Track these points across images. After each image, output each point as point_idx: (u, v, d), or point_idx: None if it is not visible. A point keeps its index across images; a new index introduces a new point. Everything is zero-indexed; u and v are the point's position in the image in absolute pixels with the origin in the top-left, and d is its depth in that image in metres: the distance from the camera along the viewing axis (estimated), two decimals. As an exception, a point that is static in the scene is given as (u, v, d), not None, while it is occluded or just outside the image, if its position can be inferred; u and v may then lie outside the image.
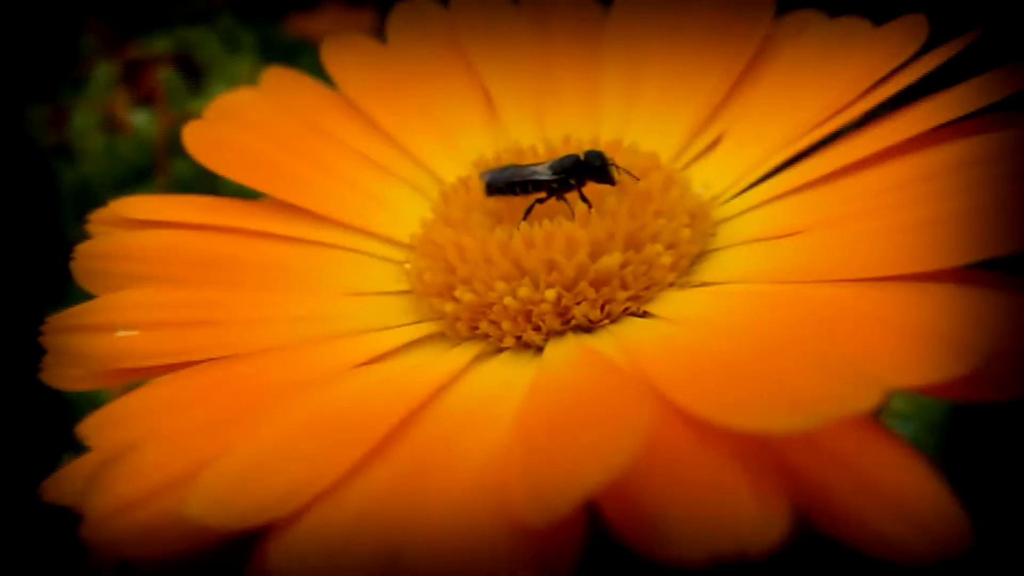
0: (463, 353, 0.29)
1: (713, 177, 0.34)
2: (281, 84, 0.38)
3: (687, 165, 0.35)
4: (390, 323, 0.31)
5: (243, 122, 0.36)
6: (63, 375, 0.28)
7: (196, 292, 0.30)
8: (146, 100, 0.50)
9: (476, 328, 0.30)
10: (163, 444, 0.24)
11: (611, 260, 0.29)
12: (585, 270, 0.29)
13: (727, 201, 0.33)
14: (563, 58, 0.39)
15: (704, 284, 0.30)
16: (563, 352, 0.27)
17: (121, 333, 0.28)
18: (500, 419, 0.24)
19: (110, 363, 0.28)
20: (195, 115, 0.38)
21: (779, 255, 0.29)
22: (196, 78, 0.51)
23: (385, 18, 0.39)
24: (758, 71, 0.35)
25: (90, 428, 0.25)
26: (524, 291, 0.29)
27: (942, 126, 0.27)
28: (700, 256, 0.31)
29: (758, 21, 0.35)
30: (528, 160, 0.34)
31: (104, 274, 0.30)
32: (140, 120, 0.49)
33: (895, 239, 0.25)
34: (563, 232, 0.29)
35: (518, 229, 0.30)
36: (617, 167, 0.31)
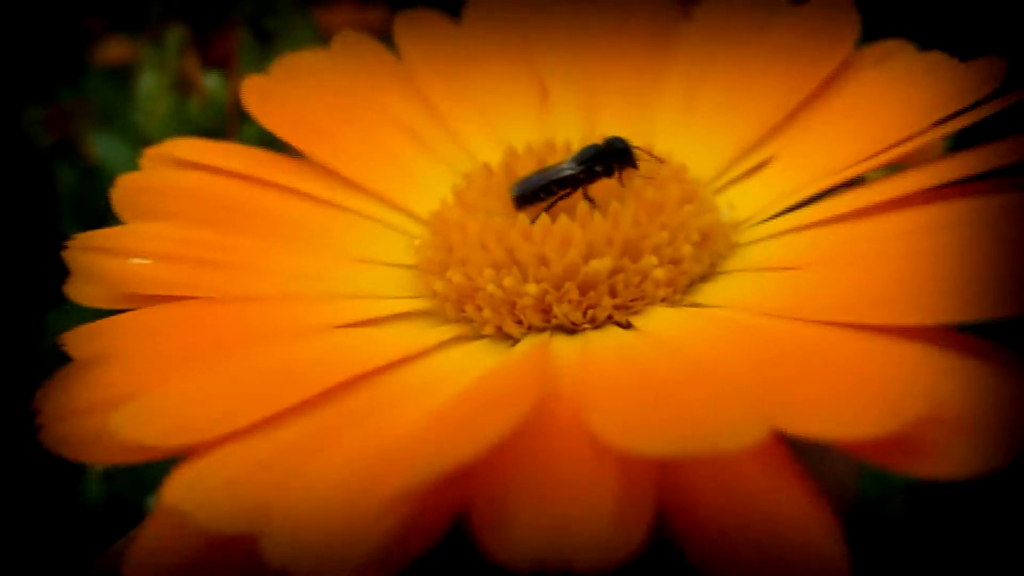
0: (442, 333, 0.29)
1: (748, 199, 0.33)
2: (349, 50, 0.40)
3: (729, 183, 0.34)
4: (387, 293, 0.32)
5: (301, 83, 0.38)
6: (83, 291, 0.31)
7: (211, 234, 0.32)
8: (216, 63, 0.52)
9: (463, 311, 0.30)
10: (125, 363, 0.26)
11: (600, 264, 0.29)
12: (575, 270, 0.29)
13: (755, 225, 0.32)
14: (629, 59, 0.39)
15: (695, 305, 0.29)
16: (523, 349, 0.28)
17: (135, 260, 0.31)
18: (433, 401, 0.24)
19: (122, 286, 0.30)
20: None
21: (772, 287, 0.28)
22: (268, 42, 0.53)
23: (394, 17, 0.40)
24: (827, 97, 0.34)
25: (72, 338, 0.27)
26: (509, 281, 0.29)
27: (968, 179, 0.26)
28: (705, 276, 0.31)
29: (837, 47, 0.34)
30: (557, 155, 0.34)
31: (137, 205, 0.33)
32: (212, 83, 0.50)
33: (884, 288, 0.24)
34: (560, 229, 0.30)
35: (519, 219, 0.30)
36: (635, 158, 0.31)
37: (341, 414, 0.24)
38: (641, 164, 0.32)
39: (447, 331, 0.30)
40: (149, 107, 0.50)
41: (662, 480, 0.19)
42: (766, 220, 0.32)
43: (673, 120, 0.37)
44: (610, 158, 0.31)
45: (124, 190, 0.33)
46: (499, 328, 0.29)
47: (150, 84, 0.51)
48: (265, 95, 0.37)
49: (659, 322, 0.28)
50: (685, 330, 0.27)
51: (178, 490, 0.21)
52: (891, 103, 0.32)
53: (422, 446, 0.21)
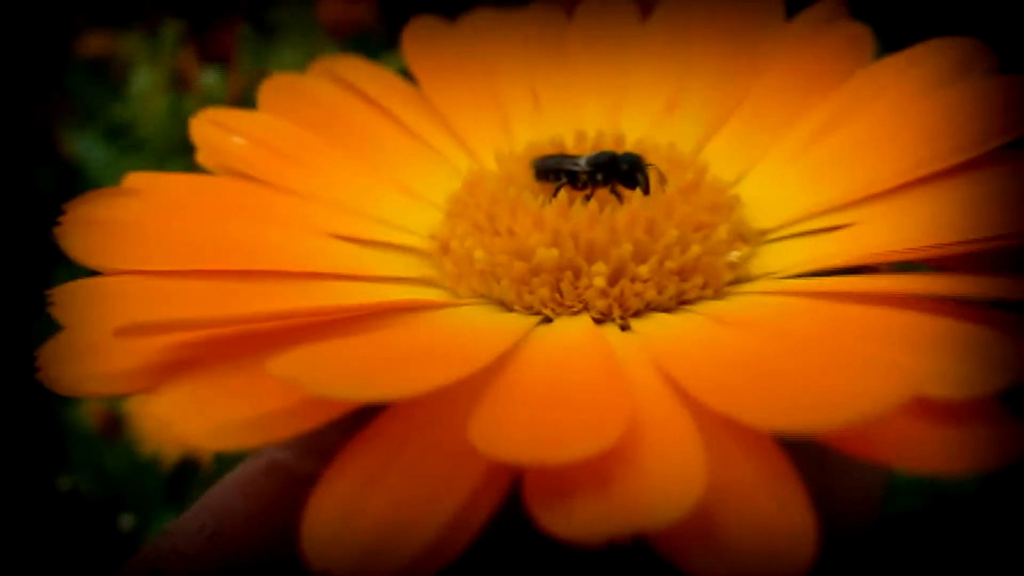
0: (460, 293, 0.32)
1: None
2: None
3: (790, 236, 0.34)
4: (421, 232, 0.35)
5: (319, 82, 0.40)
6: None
7: (305, 134, 0.36)
8: (214, 59, 0.51)
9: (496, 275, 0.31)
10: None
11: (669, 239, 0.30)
12: (646, 250, 0.30)
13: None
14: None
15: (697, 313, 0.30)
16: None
17: (235, 138, 0.35)
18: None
19: (220, 157, 0.34)
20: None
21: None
22: (268, 37, 0.53)
23: (380, 10, 0.42)
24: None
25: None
26: (546, 252, 0.30)
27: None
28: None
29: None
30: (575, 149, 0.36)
31: (271, 102, 0.38)
32: (210, 79, 0.50)
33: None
34: (573, 217, 0.31)
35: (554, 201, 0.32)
36: (643, 172, 0.33)
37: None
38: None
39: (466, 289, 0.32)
40: (142, 105, 0.50)
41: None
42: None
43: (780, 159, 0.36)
44: (614, 175, 0.33)
45: (269, 89, 0.38)
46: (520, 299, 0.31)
47: (144, 81, 0.51)
48: (285, 95, 0.39)
49: (649, 329, 0.29)
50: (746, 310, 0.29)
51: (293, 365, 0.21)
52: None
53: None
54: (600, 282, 0.30)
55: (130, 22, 0.56)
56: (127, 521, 0.64)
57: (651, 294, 0.30)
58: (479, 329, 0.29)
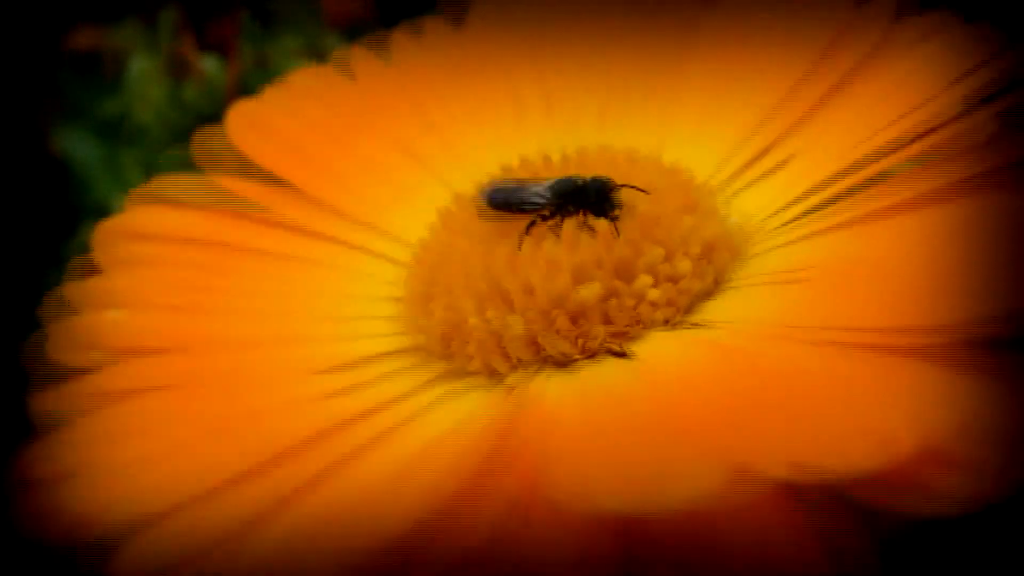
0: (427, 372, 0.29)
1: (763, 204, 0.32)
2: (348, 64, 0.40)
3: (743, 188, 0.33)
4: (373, 332, 0.32)
5: (285, 108, 0.38)
6: (61, 349, 0.31)
7: (189, 277, 0.33)
8: (212, 46, 0.48)
9: (448, 348, 0.30)
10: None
11: (589, 290, 0.28)
12: (563, 298, 0.28)
13: (770, 233, 0.31)
14: (643, 58, 0.37)
15: (697, 325, 0.28)
16: (494, 396, 0.27)
17: (112, 312, 0.31)
18: (399, 451, 0.24)
19: (100, 340, 0.30)
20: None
21: (777, 301, 0.27)
22: (269, 24, 0.50)
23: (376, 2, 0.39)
24: (857, 86, 0.32)
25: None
26: (492, 314, 0.28)
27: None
28: (712, 292, 0.29)
29: (870, 24, 0.32)
30: (543, 172, 0.33)
31: (114, 252, 0.33)
32: (210, 66, 0.48)
33: (894, 294, 0.23)
34: (546, 254, 0.29)
35: (504, 244, 0.30)
36: (611, 199, 0.29)
37: (312, 463, 0.24)
38: (639, 177, 0.31)
39: (432, 370, 0.29)
40: (141, 91, 0.48)
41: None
42: (783, 226, 0.31)
43: (681, 121, 0.35)
44: (583, 205, 0.30)
45: (102, 234, 0.34)
46: (487, 365, 0.29)
47: (142, 67, 0.49)
48: (250, 123, 0.38)
49: (653, 350, 0.27)
50: (675, 359, 0.26)
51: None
52: (925, 90, 0.30)
53: (371, 508, 0.21)
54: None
55: (123, 15, 0.55)
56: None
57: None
58: None
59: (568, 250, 0.29)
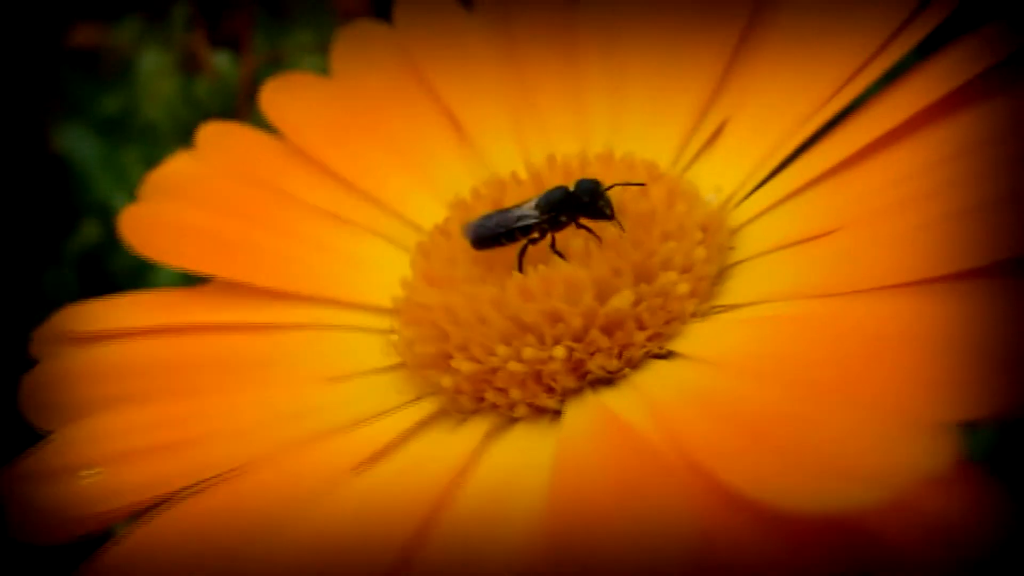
0: (472, 432, 0.27)
1: (721, 178, 0.32)
2: (220, 143, 0.37)
3: (690, 164, 0.33)
4: (385, 406, 0.29)
5: (182, 197, 0.34)
6: (33, 531, 0.27)
7: (160, 408, 0.29)
8: (224, 42, 0.48)
9: (482, 400, 0.28)
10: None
11: (621, 300, 0.27)
12: (594, 316, 0.27)
13: (740, 203, 0.31)
14: (533, 65, 0.37)
15: (730, 307, 0.28)
16: (583, 420, 0.26)
17: (84, 473, 0.27)
18: (523, 512, 0.22)
19: (79, 511, 0.26)
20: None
21: (805, 265, 0.27)
22: (282, 18, 0.50)
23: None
24: (753, 46, 0.33)
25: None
26: (529, 352, 0.27)
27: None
28: (721, 274, 0.29)
29: None
30: (510, 192, 0.32)
31: (55, 405, 0.29)
32: (222, 62, 0.47)
33: (925, 237, 0.24)
34: (561, 275, 0.28)
35: (511, 277, 0.28)
36: (604, 198, 0.29)
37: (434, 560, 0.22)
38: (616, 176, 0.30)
39: (475, 427, 0.27)
40: (151, 88, 0.48)
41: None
42: (748, 196, 0.31)
43: (605, 115, 0.35)
44: (576, 211, 0.29)
45: (32, 391, 0.29)
46: (531, 405, 0.27)
47: (151, 63, 0.49)
48: (143, 222, 0.34)
49: (701, 343, 0.27)
50: (741, 345, 0.26)
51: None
52: (823, 42, 0.31)
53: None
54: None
55: (125, 12, 0.52)
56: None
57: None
58: None
59: (582, 266, 0.28)
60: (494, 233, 0.29)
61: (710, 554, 0.19)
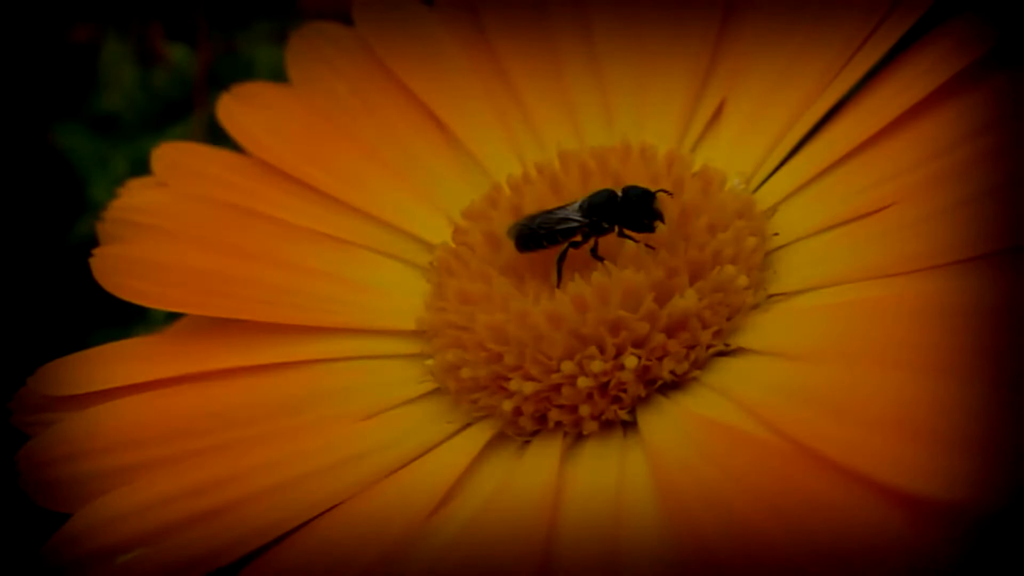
0: (543, 455, 0.26)
1: (734, 162, 0.32)
2: (181, 166, 0.34)
3: (694, 149, 0.33)
4: (429, 441, 0.28)
5: (154, 232, 0.32)
6: None
7: (190, 474, 0.26)
8: (180, 35, 0.49)
9: (543, 419, 0.27)
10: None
11: (686, 301, 0.27)
12: (655, 319, 0.27)
13: (759, 187, 0.31)
14: (508, 57, 0.36)
15: (787, 295, 0.28)
16: (672, 430, 0.25)
17: (122, 559, 0.24)
18: (639, 531, 0.21)
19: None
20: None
21: (861, 246, 0.27)
22: (237, 10, 0.50)
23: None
24: (739, 20, 0.33)
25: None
26: (597, 364, 0.26)
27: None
28: (765, 260, 0.29)
29: None
30: (562, 185, 0.31)
31: (63, 483, 0.26)
32: (178, 53, 0.49)
33: (975, 212, 0.24)
34: (618, 283, 0.27)
35: (557, 290, 0.27)
36: (654, 210, 0.28)
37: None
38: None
39: (543, 451, 0.26)
40: (111, 77, 0.50)
41: None
42: (767, 178, 0.31)
43: (597, 106, 0.35)
44: (620, 221, 0.28)
45: (32, 467, 0.26)
46: (599, 419, 0.27)
47: (112, 53, 0.50)
48: (114, 265, 0.31)
49: (770, 336, 0.27)
50: (810, 335, 0.25)
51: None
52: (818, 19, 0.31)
53: None
54: None
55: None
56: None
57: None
58: None
59: (637, 271, 0.27)
60: (535, 233, 0.29)
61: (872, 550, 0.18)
